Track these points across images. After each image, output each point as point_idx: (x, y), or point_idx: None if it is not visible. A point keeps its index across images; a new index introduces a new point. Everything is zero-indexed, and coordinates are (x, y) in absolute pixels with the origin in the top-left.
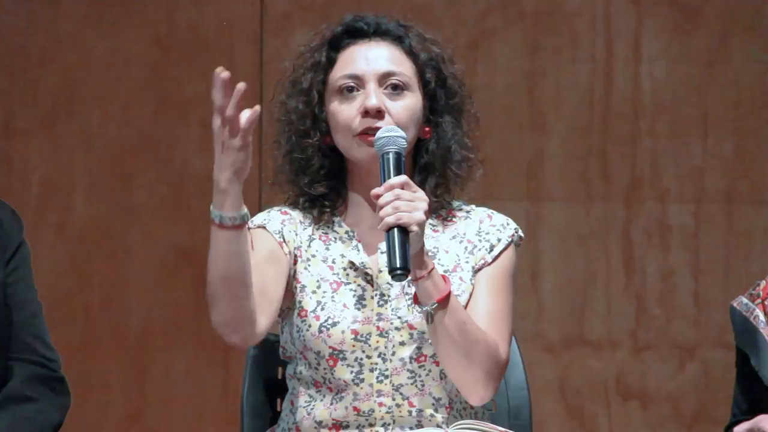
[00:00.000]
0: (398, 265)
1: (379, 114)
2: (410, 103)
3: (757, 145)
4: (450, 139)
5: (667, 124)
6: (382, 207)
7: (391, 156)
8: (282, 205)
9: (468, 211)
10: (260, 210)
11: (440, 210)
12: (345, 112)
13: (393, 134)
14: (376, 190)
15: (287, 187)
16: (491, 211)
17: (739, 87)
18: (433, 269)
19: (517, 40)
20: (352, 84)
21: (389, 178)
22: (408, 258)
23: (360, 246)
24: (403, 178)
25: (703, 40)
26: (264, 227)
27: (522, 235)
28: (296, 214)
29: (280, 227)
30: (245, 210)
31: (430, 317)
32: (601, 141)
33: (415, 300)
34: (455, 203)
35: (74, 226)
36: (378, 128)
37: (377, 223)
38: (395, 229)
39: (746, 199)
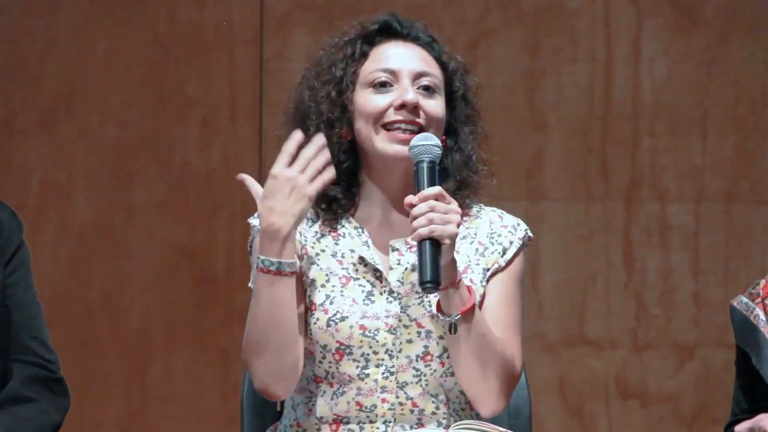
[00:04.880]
0: (428, 279)
1: (415, 110)
2: (441, 104)
3: (757, 145)
4: (470, 147)
5: (667, 124)
6: (415, 218)
7: (425, 165)
8: None
9: (478, 211)
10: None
11: None
12: (376, 101)
13: (428, 143)
14: (409, 199)
15: None
16: (501, 211)
17: (739, 87)
18: (460, 280)
19: (517, 39)
20: (386, 78)
21: (423, 188)
22: (439, 271)
23: (370, 242)
24: (438, 189)
25: (703, 39)
26: None
27: (531, 235)
28: None
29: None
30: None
31: (453, 328)
32: (601, 140)
33: (438, 308)
34: (465, 202)
35: (74, 226)
36: (412, 122)
37: (406, 230)
38: (427, 242)
39: (746, 198)
